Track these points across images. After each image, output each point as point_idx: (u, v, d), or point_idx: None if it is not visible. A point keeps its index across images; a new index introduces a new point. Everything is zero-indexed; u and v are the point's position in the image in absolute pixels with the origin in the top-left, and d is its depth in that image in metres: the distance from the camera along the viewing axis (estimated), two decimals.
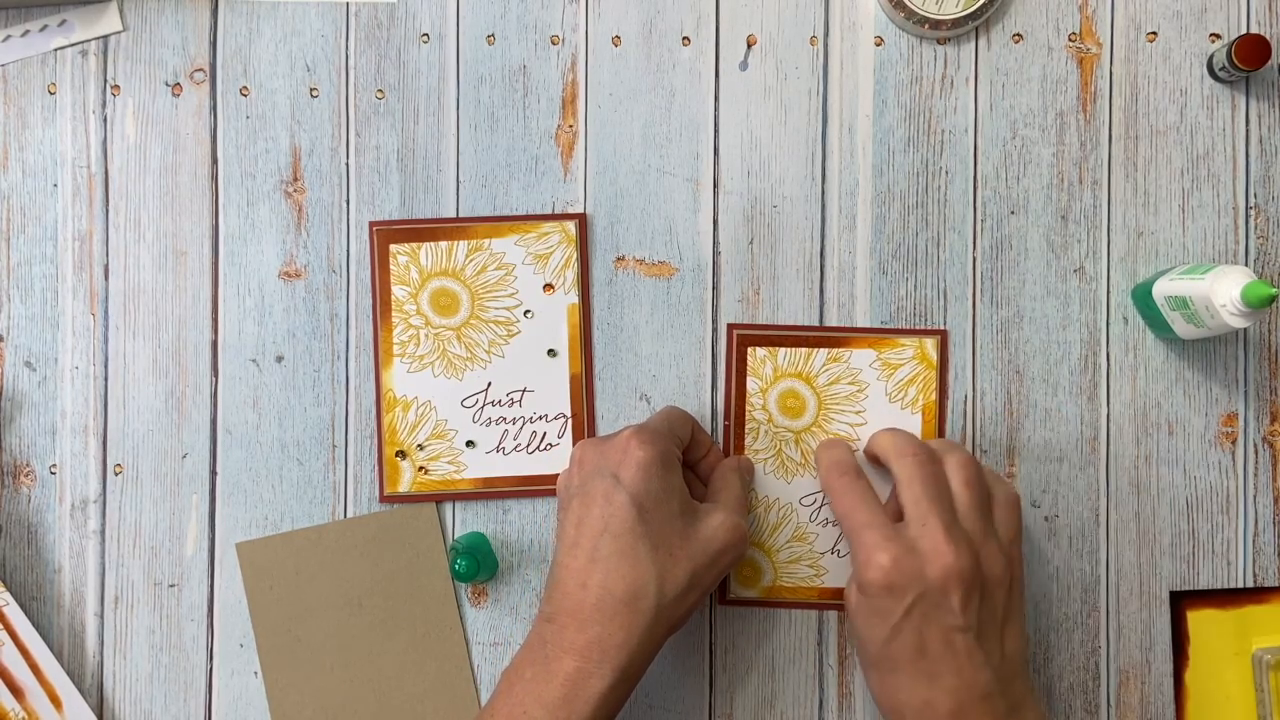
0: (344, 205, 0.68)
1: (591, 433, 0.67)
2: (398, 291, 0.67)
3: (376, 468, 0.67)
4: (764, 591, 0.67)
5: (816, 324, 0.67)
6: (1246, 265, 0.66)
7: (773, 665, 0.67)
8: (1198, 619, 0.66)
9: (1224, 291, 0.57)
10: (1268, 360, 0.66)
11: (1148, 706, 0.66)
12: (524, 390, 0.67)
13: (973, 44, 0.67)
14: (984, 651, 0.56)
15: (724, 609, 0.67)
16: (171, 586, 0.67)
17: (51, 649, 0.66)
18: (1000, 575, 0.58)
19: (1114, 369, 0.66)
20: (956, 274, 0.67)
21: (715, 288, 0.67)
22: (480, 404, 0.67)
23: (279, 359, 0.68)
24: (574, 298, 0.67)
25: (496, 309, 0.67)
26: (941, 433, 0.66)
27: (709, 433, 0.67)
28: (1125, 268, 0.66)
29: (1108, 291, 0.66)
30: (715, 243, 0.67)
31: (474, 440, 0.67)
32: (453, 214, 0.67)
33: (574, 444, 0.65)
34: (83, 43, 0.68)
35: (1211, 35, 0.66)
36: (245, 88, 0.68)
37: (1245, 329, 0.65)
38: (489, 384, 0.67)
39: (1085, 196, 0.66)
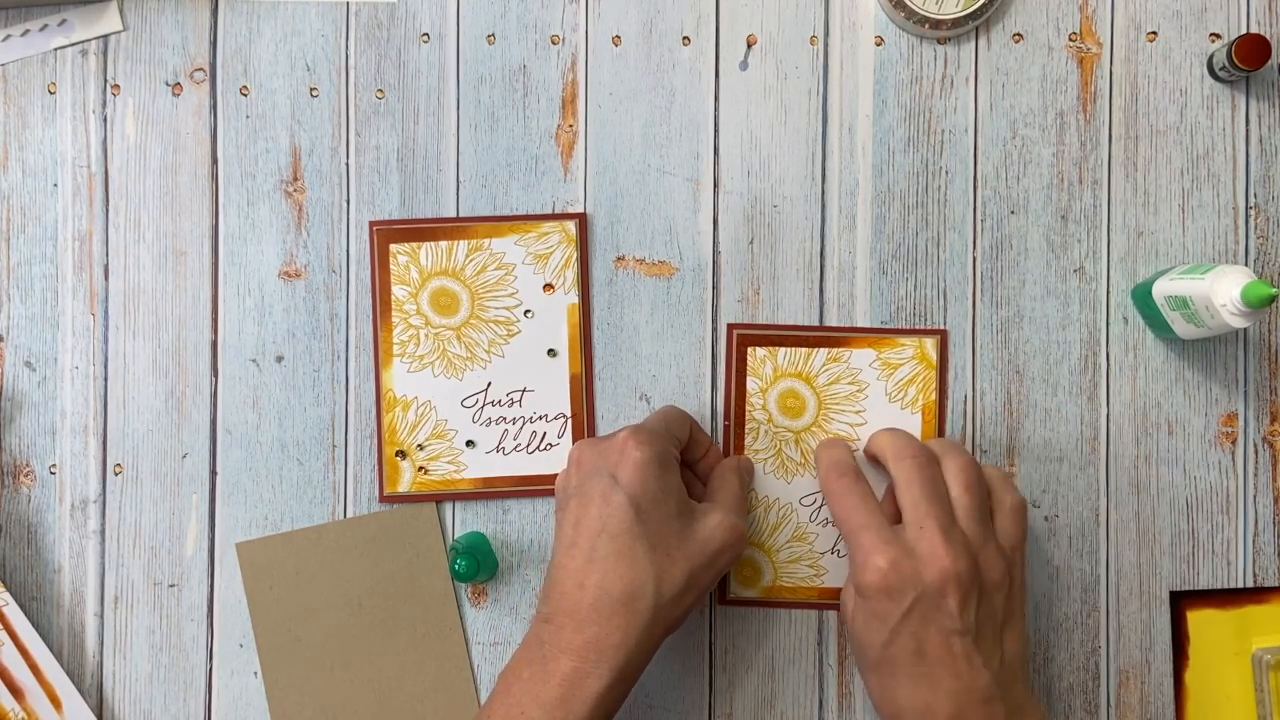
0: (344, 205, 0.68)
1: (591, 433, 0.67)
2: (398, 291, 0.67)
3: (376, 468, 0.67)
4: (764, 591, 0.67)
5: (816, 324, 0.67)
6: (1246, 265, 0.66)
7: (773, 665, 0.67)
8: (1198, 619, 0.66)
9: (1224, 291, 0.57)
10: (1268, 360, 0.66)
11: (1148, 706, 0.66)
12: (524, 390, 0.67)
13: (973, 44, 0.67)
14: (983, 655, 0.56)
15: (724, 609, 0.67)
16: (171, 586, 0.67)
17: (51, 649, 0.66)
18: (998, 579, 0.57)
19: (1114, 369, 0.66)
20: (956, 274, 0.67)
21: (715, 288, 0.67)
22: (480, 404, 0.67)
23: (279, 359, 0.68)
24: (574, 298, 0.67)
25: (496, 309, 0.67)
26: (941, 433, 0.66)
27: (709, 433, 0.67)
28: (1125, 268, 0.66)
29: (1108, 291, 0.66)
30: (715, 243, 0.67)
31: (474, 440, 0.67)
32: (453, 214, 0.67)
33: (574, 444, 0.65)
34: (83, 42, 0.68)
35: (1211, 35, 0.66)
36: (245, 87, 0.68)
37: (1245, 329, 0.65)
38: (489, 384, 0.67)
39: (1085, 196, 0.66)
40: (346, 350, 0.68)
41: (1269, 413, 0.66)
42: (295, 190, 0.68)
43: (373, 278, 0.67)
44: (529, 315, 0.67)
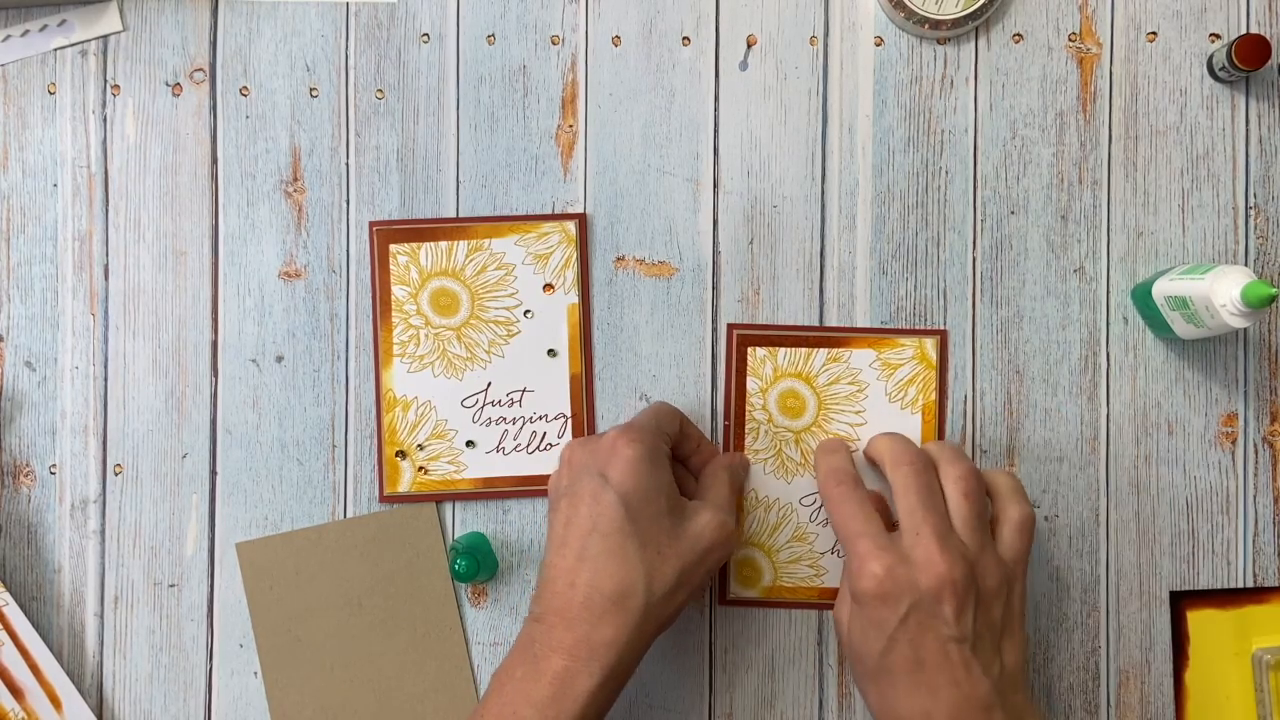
0: (344, 205, 0.68)
1: (592, 433, 0.67)
2: (398, 291, 0.67)
3: (376, 468, 0.67)
4: (764, 591, 0.67)
5: (816, 324, 0.67)
6: (1246, 265, 0.66)
7: (773, 665, 0.67)
8: (1198, 619, 0.66)
9: (1224, 291, 0.57)
10: (1268, 360, 0.66)
11: (1148, 706, 0.66)
12: (524, 390, 0.67)
13: (973, 44, 0.67)
14: (981, 663, 0.56)
15: (724, 609, 0.67)
16: (171, 586, 0.67)
17: (51, 649, 0.66)
18: (995, 587, 0.57)
19: (1114, 369, 0.66)
20: (956, 274, 0.67)
21: (715, 288, 0.67)
22: (480, 404, 0.67)
23: (279, 359, 0.68)
24: (574, 298, 0.67)
25: (496, 309, 0.67)
26: (941, 433, 0.66)
27: (709, 433, 0.67)
28: (1125, 268, 0.66)
29: (1108, 291, 0.66)
30: (715, 243, 0.67)
31: (474, 440, 0.67)
32: (453, 214, 0.67)
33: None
34: (83, 43, 0.68)
35: (1211, 35, 0.66)
36: (245, 88, 0.68)
37: (1245, 329, 0.65)
38: (489, 384, 0.67)
39: (1085, 196, 0.66)
40: (346, 350, 0.68)
41: (1269, 413, 0.66)
42: (295, 190, 0.68)
43: (373, 278, 0.67)
44: (529, 315, 0.67)
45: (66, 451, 0.68)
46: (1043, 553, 0.66)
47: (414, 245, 0.67)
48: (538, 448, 0.67)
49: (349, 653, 0.67)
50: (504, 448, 0.67)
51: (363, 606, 0.67)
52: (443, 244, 0.67)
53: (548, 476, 0.67)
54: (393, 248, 0.67)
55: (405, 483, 0.67)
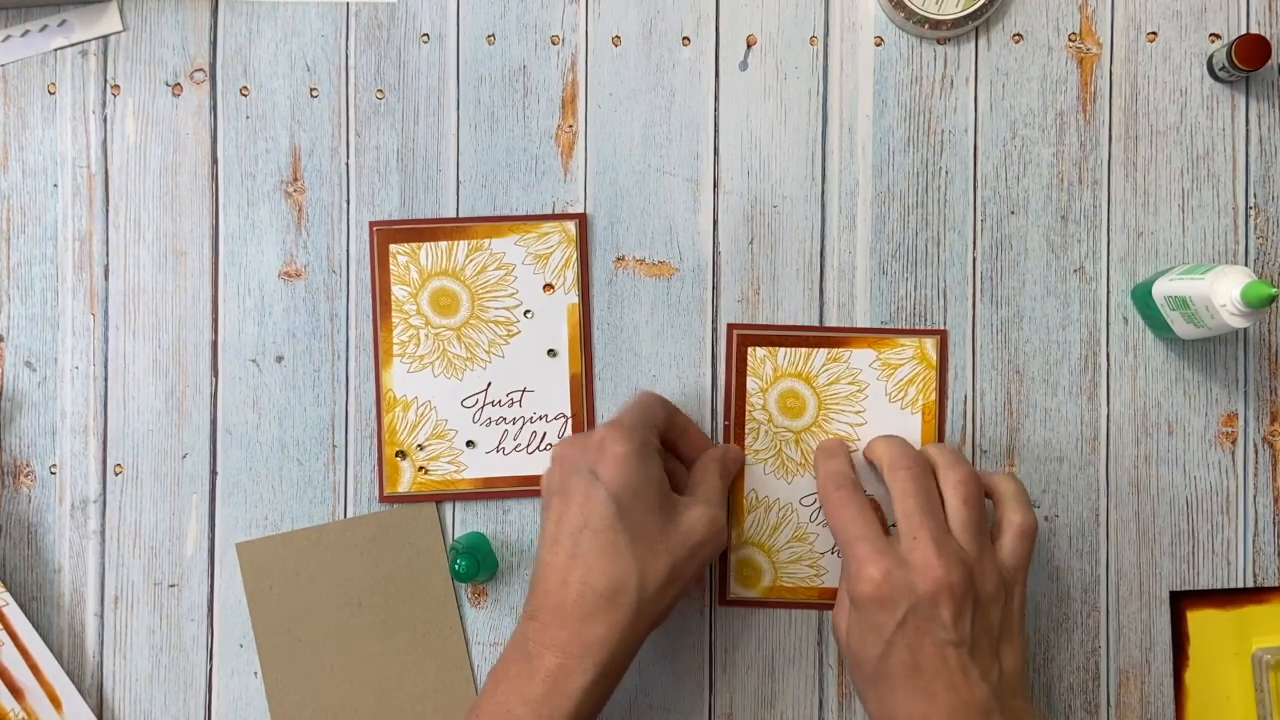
0: (344, 205, 0.68)
1: None
2: (398, 291, 0.67)
3: (376, 468, 0.67)
4: (764, 591, 0.67)
5: (816, 324, 0.67)
6: (1246, 265, 0.66)
7: (773, 665, 0.67)
8: (1198, 619, 0.66)
9: (1224, 291, 0.57)
10: (1268, 360, 0.66)
11: (1148, 706, 0.66)
12: (524, 390, 0.67)
13: (973, 44, 0.67)
14: (979, 667, 0.56)
15: (724, 609, 0.67)
16: (171, 586, 0.67)
17: (51, 649, 0.66)
18: (994, 592, 0.57)
19: (1114, 369, 0.66)
20: (956, 274, 0.67)
21: (715, 288, 0.67)
22: (480, 404, 0.67)
23: (279, 359, 0.68)
24: (574, 298, 0.67)
25: (496, 309, 0.67)
26: (941, 432, 0.66)
27: (708, 433, 0.67)
28: (1125, 268, 0.66)
29: (1108, 291, 0.66)
30: (715, 243, 0.67)
31: (474, 440, 0.67)
32: (453, 214, 0.67)
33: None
34: (83, 43, 0.68)
35: (1211, 35, 0.66)
36: (245, 88, 0.68)
37: (1245, 329, 0.65)
38: (489, 384, 0.67)
39: (1085, 196, 0.66)
40: (346, 350, 0.68)
41: (1269, 413, 0.66)
42: (295, 190, 0.68)
43: (373, 278, 0.67)
44: (529, 315, 0.67)
45: (66, 451, 0.68)
46: (1043, 553, 0.66)
47: (414, 245, 0.67)
48: (538, 448, 0.67)
49: (349, 653, 0.67)
50: (504, 448, 0.67)
51: (363, 606, 0.67)
52: (443, 244, 0.67)
53: None
54: (393, 248, 0.67)
55: (405, 483, 0.67)
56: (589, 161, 0.67)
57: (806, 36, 0.67)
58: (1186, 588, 0.66)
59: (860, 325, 0.67)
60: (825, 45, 0.67)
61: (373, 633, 0.67)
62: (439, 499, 0.67)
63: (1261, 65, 0.63)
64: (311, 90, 0.68)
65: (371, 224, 0.67)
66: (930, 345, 0.66)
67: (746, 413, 0.67)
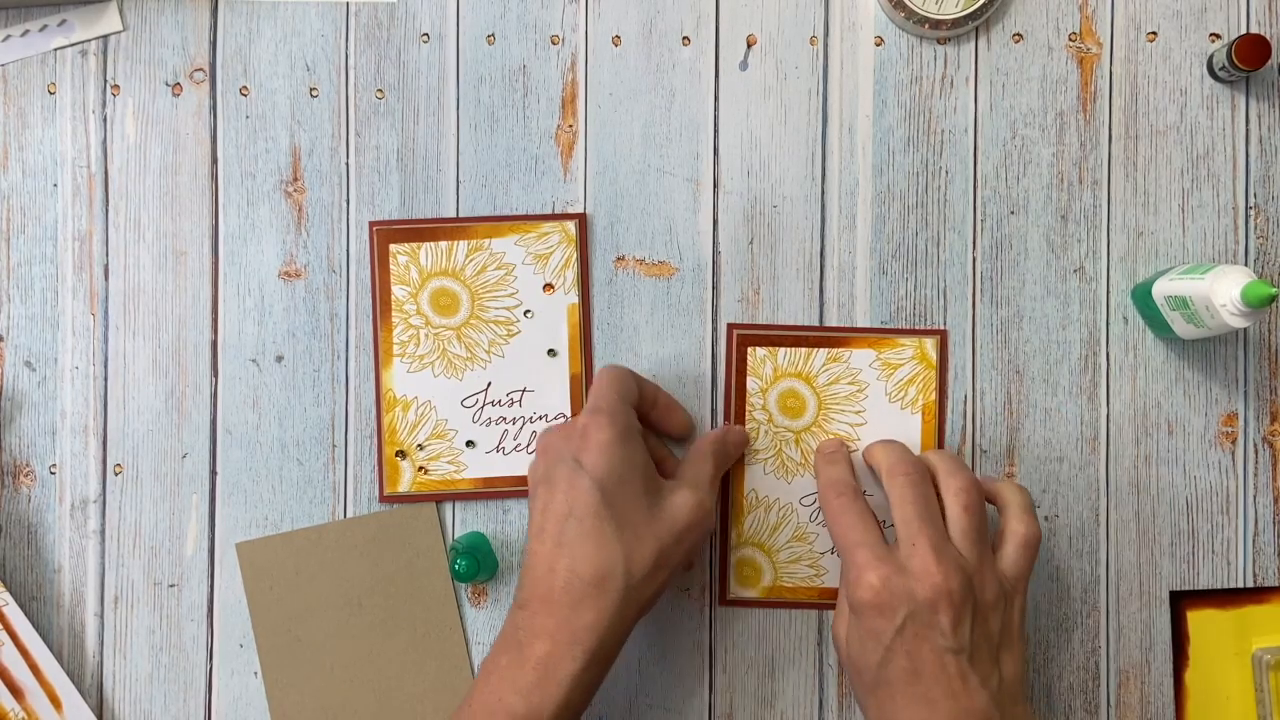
0: (344, 205, 0.68)
1: None
2: (398, 291, 0.67)
3: (376, 468, 0.67)
4: (764, 591, 0.67)
5: (816, 324, 0.67)
6: (1246, 265, 0.66)
7: (772, 665, 0.67)
8: (1198, 619, 0.66)
9: (1224, 291, 0.57)
10: (1268, 360, 0.66)
11: (1148, 706, 0.66)
12: (524, 390, 0.67)
13: (973, 44, 0.67)
14: (979, 674, 0.56)
15: (724, 609, 0.67)
16: (171, 586, 0.67)
17: (51, 649, 0.66)
18: (994, 600, 0.57)
19: (1114, 369, 0.66)
20: (956, 274, 0.67)
21: (715, 288, 0.67)
22: (480, 404, 0.67)
23: (279, 359, 0.68)
24: (574, 298, 0.67)
25: (496, 309, 0.67)
26: (941, 432, 0.66)
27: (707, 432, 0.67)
28: (1125, 268, 0.66)
29: (1108, 291, 0.66)
30: (715, 243, 0.67)
31: (474, 440, 0.67)
32: (453, 214, 0.67)
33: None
34: (83, 43, 0.68)
35: (1211, 35, 0.66)
36: (245, 88, 0.68)
37: (1245, 329, 0.65)
38: (489, 384, 0.67)
39: (1085, 196, 0.66)
40: (346, 350, 0.68)
41: (1269, 413, 0.66)
42: (295, 190, 0.68)
43: (373, 278, 0.67)
44: (529, 315, 0.67)
45: (66, 451, 0.68)
46: (1043, 553, 0.66)
47: (414, 245, 0.67)
48: None
49: (349, 653, 0.67)
50: (504, 448, 0.67)
51: (363, 606, 0.67)
52: (443, 244, 0.67)
53: None
54: (393, 247, 0.67)
55: (405, 483, 0.67)
56: (589, 161, 0.67)
57: (806, 36, 0.67)
58: (1186, 588, 0.66)
59: (860, 325, 0.67)
60: (825, 45, 0.67)
61: (373, 633, 0.67)
62: (439, 499, 0.67)
63: (1261, 65, 0.63)
64: (311, 90, 0.68)
65: (371, 224, 0.67)
66: (930, 345, 0.66)
67: (746, 413, 0.67)
